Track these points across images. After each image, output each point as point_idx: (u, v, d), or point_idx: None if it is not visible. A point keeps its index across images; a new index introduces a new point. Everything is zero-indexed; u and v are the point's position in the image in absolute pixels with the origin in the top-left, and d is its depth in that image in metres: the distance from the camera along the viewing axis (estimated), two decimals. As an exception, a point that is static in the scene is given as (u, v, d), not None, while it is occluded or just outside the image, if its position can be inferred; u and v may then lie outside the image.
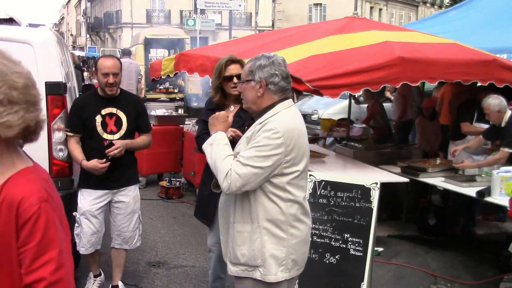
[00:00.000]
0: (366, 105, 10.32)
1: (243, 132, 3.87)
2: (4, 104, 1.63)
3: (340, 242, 4.63)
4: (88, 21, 59.32)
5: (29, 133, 1.73)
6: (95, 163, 4.43)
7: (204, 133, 4.17)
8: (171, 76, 8.15)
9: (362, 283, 4.55)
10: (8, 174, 1.69)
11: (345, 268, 4.58)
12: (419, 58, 5.96)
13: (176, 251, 6.18)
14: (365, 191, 4.75)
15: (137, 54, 21.11)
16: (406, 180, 6.09)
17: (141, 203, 8.19)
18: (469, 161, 6.41)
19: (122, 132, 4.62)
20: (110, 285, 4.95)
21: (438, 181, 6.12)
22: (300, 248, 3.11)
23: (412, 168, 6.39)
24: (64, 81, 4.89)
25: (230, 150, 3.05)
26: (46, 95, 4.49)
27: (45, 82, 4.47)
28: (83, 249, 4.69)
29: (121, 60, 17.09)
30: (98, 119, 4.55)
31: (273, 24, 44.53)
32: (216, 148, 3.06)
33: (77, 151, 4.52)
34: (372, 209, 4.72)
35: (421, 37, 6.87)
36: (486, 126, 6.59)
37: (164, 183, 8.67)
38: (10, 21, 5.38)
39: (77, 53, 27.30)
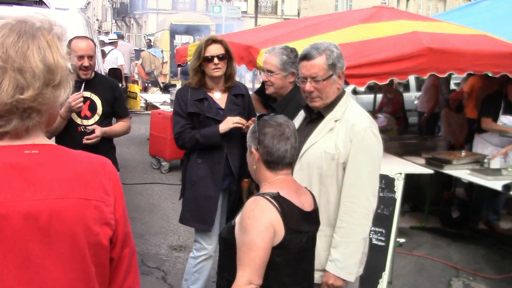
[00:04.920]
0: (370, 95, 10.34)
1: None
2: None
3: (362, 231, 4.60)
4: (114, 6, 59.53)
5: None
6: None
7: (188, 128, 3.95)
8: (197, 62, 8.14)
9: (383, 273, 4.55)
10: None
11: (367, 257, 4.56)
12: (448, 49, 5.88)
13: (198, 236, 6.21)
14: (389, 181, 4.73)
15: (162, 40, 21.22)
16: (430, 171, 6.03)
17: (163, 187, 8.32)
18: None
19: (96, 117, 4.37)
20: None
21: (463, 173, 6.05)
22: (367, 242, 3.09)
23: (437, 160, 6.32)
24: (92, 64, 4.93)
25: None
26: (74, 77, 4.53)
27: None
28: None
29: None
30: None
31: (298, 13, 44.23)
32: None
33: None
34: (396, 199, 4.70)
35: (450, 28, 6.77)
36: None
37: (187, 168, 8.70)
38: (40, 3, 5.45)
39: (101, 38, 27.62)
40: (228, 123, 3.86)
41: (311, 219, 2.44)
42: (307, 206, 2.41)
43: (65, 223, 1.45)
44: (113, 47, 15.01)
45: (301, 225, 2.32)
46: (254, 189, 3.94)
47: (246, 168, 3.99)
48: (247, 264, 2.15)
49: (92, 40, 4.49)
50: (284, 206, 2.26)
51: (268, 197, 2.25)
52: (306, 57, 2.91)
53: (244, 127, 3.85)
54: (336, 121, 2.90)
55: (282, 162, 2.38)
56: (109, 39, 16.42)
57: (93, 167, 1.55)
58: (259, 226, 2.16)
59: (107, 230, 1.53)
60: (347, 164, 2.82)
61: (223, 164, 3.98)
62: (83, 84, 4.26)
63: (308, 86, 2.91)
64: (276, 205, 2.23)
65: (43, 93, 1.46)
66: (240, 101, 4.07)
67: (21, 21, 1.47)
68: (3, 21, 1.48)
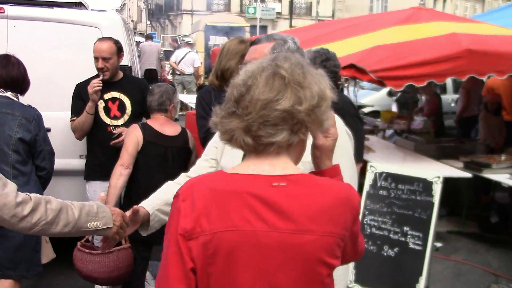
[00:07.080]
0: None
1: None
2: None
3: (399, 235, 4.56)
4: (149, 7, 60.20)
5: None
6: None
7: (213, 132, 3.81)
8: (232, 63, 8.16)
9: (420, 278, 4.48)
10: None
11: (404, 261, 4.51)
12: (488, 51, 5.77)
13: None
14: (426, 185, 4.66)
15: (197, 41, 21.31)
16: (469, 175, 5.92)
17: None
18: None
19: (126, 117, 4.47)
20: None
21: (503, 177, 5.92)
22: None
23: (476, 164, 6.21)
24: (130, 65, 5.00)
25: None
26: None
27: None
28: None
29: (142, 44, 17.38)
30: (100, 104, 4.38)
31: (333, 14, 44.03)
32: None
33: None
34: (434, 203, 4.62)
35: (490, 29, 6.65)
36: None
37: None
38: (79, 5, 5.52)
39: (137, 38, 28.03)
40: None
41: (171, 139, 4.12)
42: (169, 133, 4.10)
43: (306, 260, 1.49)
44: (190, 49, 15.74)
45: (157, 140, 4.04)
46: None
47: None
48: (123, 155, 3.94)
49: (117, 42, 4.45)
50: (146, 128, 4.04)
51: (139, 124, 4.10)
52: (254, 41, 2.49)
53: None
54: None
55: (152, 109, 4.15)
56: (186, 41, 17.49)
57: (339, 201, 1.55)
58: (130, 136, 3.99)
59: (333, 264, 1.55)
60: None
61: None
62: (102, 74, 4.33)
63: None
64: (140, 127, 4.04)
65: (314, 112, 1.53)
66: None
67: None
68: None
